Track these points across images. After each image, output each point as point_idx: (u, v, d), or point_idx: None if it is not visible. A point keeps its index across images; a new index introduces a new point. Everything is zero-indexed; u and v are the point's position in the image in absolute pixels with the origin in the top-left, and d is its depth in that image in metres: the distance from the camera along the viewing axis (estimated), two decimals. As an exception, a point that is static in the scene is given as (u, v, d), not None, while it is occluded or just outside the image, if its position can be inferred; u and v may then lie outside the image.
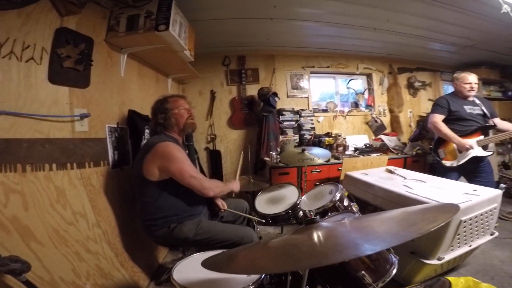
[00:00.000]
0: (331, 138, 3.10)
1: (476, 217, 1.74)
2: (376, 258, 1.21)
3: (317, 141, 3.16)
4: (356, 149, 3.49)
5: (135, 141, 2.00)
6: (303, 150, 2.37)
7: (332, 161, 3.06)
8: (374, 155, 3.24)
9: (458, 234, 1.70)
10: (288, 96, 3.83)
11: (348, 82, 4.14)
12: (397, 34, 3.18)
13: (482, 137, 2.58)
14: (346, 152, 3.43)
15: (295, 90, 3.85)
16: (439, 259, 1.68)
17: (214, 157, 3.59)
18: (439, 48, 3.77)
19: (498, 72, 4.50)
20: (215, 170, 3.62)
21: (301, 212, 1.91)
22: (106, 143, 1.74)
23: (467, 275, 1.94)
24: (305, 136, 3.49)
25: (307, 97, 3.88)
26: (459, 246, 1.78)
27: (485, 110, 2.66)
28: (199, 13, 2.45)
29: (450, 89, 5.02)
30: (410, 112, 4.28)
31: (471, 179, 2.84)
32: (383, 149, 3.45)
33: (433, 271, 1.83)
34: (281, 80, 3.84)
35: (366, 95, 4.15)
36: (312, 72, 4.00)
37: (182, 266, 1.21)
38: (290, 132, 3.55)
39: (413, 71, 4.43)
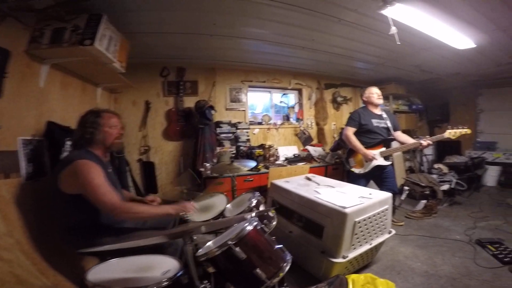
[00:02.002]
0: (261, 150, 3.38)
1: (369, 218, 2.00)
2: (269, 257, 1.40)
3: (249, 153, 3.39)
4: (286, 159, 3.84)
5: (54, 153, 1.95)
6: (232, 161, 2.56)
7: (263, 170, 3.33)
8: (300, 164, 3.62)
9: (356, 234, 1.93)
10: (226, 109, 4.03)
11: (282, 96, 4.52)
12: (323, 52, 3.53)
13: (384, 148, 3.03)
14: (277, 162, 3.74)
15: (233, 103, 4.07)
16: (343, 257, 1.89)
17: (148, 169, 3.57)
18: (358, 66, 4.28)
19: (405, 88, 5.27)
20: (149, 182, 3.58)
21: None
22: (17, 155, 1.68)
23: (378, 271, 2.26)
24: (241, 148, 3.71)
25: (244, 110, 4.13)
26: (360, 245, 2.01)
27: (389, 124, 3.09)
28: (137, 26, 2.50)
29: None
30: (334, 124, 4.84)
31: (378, 184, 3.31)
32: (309, 158, 3.87)
33: (344, 268, 2.02)
34: (221, 93, 4.01)
35: (296, 109, 4.57)
36: (250, 86, 4.27)
37: (99, 269, 1.26)
38: (227, 143, 3.73)
39: (338, 87, 4.97)
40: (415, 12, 2.16)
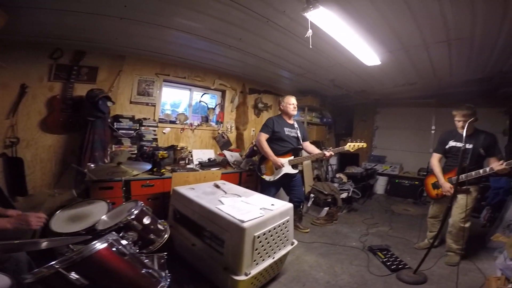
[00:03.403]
0: (165, 152, 2.99)
1: (270, 231, 1.92)
2: (130, 283, 1.17)
3: (151, 154, 2.96)
4: (199, 163, 3.53)
5: None
6: (119, 164, 2.13)
7: (168, 175, 2.94)
8: (213, 169, 3.37)
9: (257, 249, 1.82)
10: (131, 102, 3.47)
11: (202, 96, 4.21)
12: (252, 55, 3.43)
13: (292, 157, 3.12)
14: (188, 166, 3.41)
15: (141, 97, 3.54)
16: (246, 274, 1.76)
17: (14, 166, 2.74)
18: (283, 74, 4.34)
19: (319, 101, 5.66)
20: (16, 183, 2.75)
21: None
22: None
23: (285, 283, 2.23)
24: (144, 148, 3.22)
25: (155, 106, 3.65)
26: (263, 259, 1.91)
27: (299, 135, 3.22)
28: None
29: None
30: (253, 130, 4.80)
31: (287, 192, 3.38)
32: (224, 163, 3.66)
33: (251, 284, 1.90)
34: (127, 84, 3.44)
35: (217, 110, 4.33)
36: (166, 81, 3.82)
37: None
38: (127, 142, 3.20)
39: (261, 93, 4.98)
40: (335, 20, 2.21)
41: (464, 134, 2.22)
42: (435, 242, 2.56)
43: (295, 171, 3.13)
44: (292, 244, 2.28)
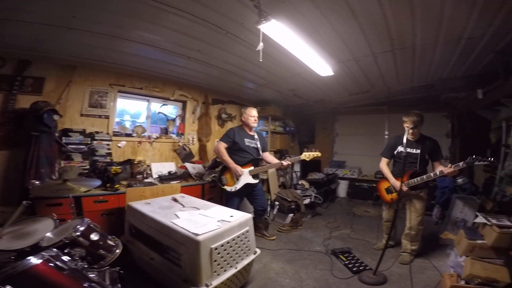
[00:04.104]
0: (118, 167, 2.84)
1: (228, 242, 1.93)
2: None
3: (103, 169, 2.79)
4: (158, 177, 3.41)
5: None
6: (65, 181, 1.98)
7: (123, 190, 2.79)
8: (174, 182, 3.28)
9: (216, 260, 1.82)
10: (82, 115, 3.26)
11: (161, 107, 4.10)
12: (214, 67, 3.44)
13: (252, 167, 3.15)
14: (147, 180, 3.27)
15: (93, 109, 3.35)
16: (207, 285, 1.75)
17: None
18: (246, 85, 4.38)
19: (282, 111, 5.83)
20: None
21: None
22: None
23: None
24: (97, 163, 3.03)
25: (108, 118, 3.46)
26: (225, 270, 1.91)
27: (259, 145, 3.28)
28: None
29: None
30: (217, 141, 4.74)
31: (250, 201, 3.41)
32: (185, 176, 3.57)
33: None
34: (77, 95, 3.24)
35: (177, 122, 4.24)
36: (121, 92, 3.67)
37: None
38: (78, 157, 2.99)
39: (225, 103, 4.96)
40: (287, 32, 2.30)
41: (405, 140, 2.44)
42: (389, 243, 2.70)
43: (256, 181, 3.16)
44: (255, 253, 2.28)
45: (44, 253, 1.24)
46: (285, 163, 3.08)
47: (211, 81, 4.17)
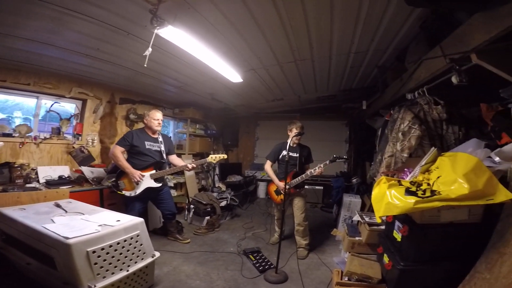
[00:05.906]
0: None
1: (111, 246, 1.87)
2: None
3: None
4: (47, 181, 2.95)
5: None
6: None
7: None
8: (64, 187, 2.88)
9: (96, 263, 1.77)
10: None
11: (53, 104, 3.54)
12: (119, 66, 3.20)
13: (154, 171, 3.01)
14: (30, 185, 2.80)
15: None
16: (89, 287, 1.69)
17: None
18: (159, 86, 4.15)
19: (203, 114, 5.75)
20: None
21: None
22: None
23: None
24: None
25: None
26: (112, 273, 1.87)
27: (163, 148, 3.16)
28: None
29: (167, 123, 5.83)
30: (113, 145, 4.31)
31: (156, 205, 3.27)
32: (80, 180, 3.18)
33: None
34: None
35: (73, 122, 3.74)
36: (1, 87, 3.03)
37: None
38: None
39: (136, 103, 4.56)
40: (189, 39, 2.27)
41: (288, 146, 2.87)
42: (282, 236, 2.98)
43: (159, 185, 3.04)
44: (153, 257, 2.23)
45: None
46: (190, 166, 3.08)
47: (120, 81, 3.84)
